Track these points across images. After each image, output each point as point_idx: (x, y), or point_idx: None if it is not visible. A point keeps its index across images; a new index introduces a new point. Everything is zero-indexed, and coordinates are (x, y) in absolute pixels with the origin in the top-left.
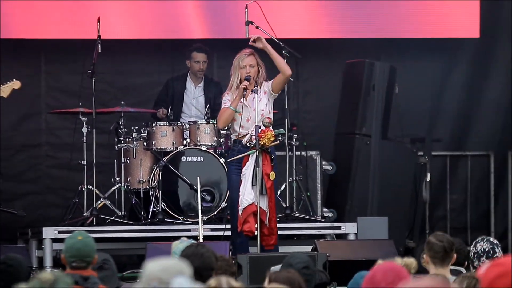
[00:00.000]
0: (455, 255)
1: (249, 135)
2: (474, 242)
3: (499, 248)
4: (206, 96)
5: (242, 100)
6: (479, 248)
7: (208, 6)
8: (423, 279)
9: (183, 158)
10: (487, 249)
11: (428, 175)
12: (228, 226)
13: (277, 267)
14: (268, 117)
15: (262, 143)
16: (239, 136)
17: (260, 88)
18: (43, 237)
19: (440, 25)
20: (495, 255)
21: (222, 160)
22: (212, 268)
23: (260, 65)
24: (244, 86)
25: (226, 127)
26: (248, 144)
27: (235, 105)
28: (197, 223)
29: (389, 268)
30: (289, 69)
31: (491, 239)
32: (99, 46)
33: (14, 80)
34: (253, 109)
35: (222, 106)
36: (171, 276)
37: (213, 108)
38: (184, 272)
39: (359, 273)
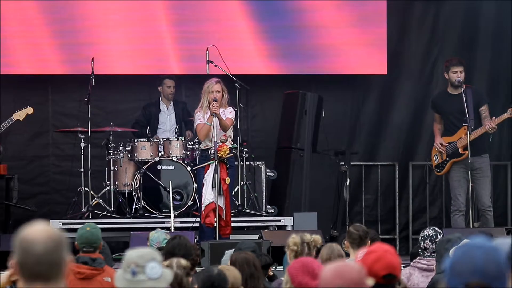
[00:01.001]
0: (369, 241)
1: (214, 148)
2: (424, 229)
3: (441, 236)
4: (176, 113)
5: (213, 120)
6: (425, 233)
7: (178, 48)
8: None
9: (159, 167)
10: (431, 234)
11: (348, 180)
12: (195, 219)
13: (231, 251)
14: (225, 135)
15: (219, 155)
16: (206, 147)
17: (225, 110)
18: None
19: (356, 64)
20: (437, 239)
21: (188, 168)
22: (191, 254)
23: (224, 91)
24: (215, 107)
25: (192, 142)
26: (212, 153)
27: (210, 121)
28: (169, 217)
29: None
30: (227, 129)
31: (436, 228)
32: (93, 80)
33: (28, 107)
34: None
35: (197, 122)
36: (146, 261)
37: (180, 122)
38: (156, 258)
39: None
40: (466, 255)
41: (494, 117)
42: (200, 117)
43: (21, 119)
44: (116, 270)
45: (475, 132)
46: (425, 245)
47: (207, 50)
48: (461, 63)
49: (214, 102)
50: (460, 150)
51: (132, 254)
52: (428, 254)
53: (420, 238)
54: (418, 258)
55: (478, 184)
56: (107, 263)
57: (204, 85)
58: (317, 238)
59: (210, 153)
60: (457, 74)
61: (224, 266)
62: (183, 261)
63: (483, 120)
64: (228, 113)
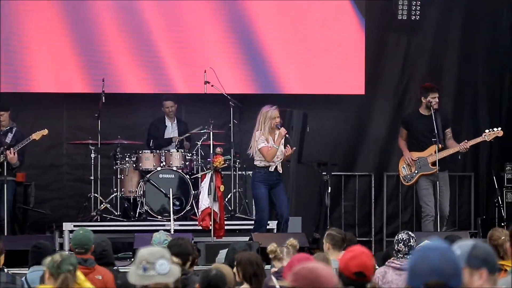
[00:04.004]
0: (345, 244)
1: (275, 165)
2: (398, 233)
3: (413, 240)
4: (179, 130)
5: (273, 142)
6: (399, 237)
7: (178, 69)
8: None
9: (160, 175)
10: (404, 238)
11: (329, 188)
12: (192, 222)
13: (225, 250)
14: (220, 147)
15: (215, 166)
16: (267, 165)
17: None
18: (63, 229)
19: (337, 85)
20: (409, 243)
21: (187, 177)
22: (188, 253)
23: (281, 116)
24: (285, 132)
25: (190, 154)
26: (272, 170)
27: (278, 144)
28: (169, 220)
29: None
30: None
31: (410, 232)
32: (103, 98)
33: (45, 129)
34: (279, 150)
35: (262, 145)
36: (156, 258)
37: (181, 139)
38: (165, 256)
39: None
40: (423, 257)
41: (466, 140)
42: (264, 141)
43: (37, 139)
44: (125, 267)
45: (447, 150)
46: (398, 247)
47: (205, 72)
48: (438, 90)
49: (283, 129)
50: (430, 165)
51: (143, 252)
52: (401, 255)
53: (394, 241)
54: (392, 258)
55: (441, 195)
56: (110, 261)
57: (263, 111)
58: (293, 240)
59: (272, 170)
60: (435, 99)
61: (217, 265)
62: (175, 259)
63: (448, 140)
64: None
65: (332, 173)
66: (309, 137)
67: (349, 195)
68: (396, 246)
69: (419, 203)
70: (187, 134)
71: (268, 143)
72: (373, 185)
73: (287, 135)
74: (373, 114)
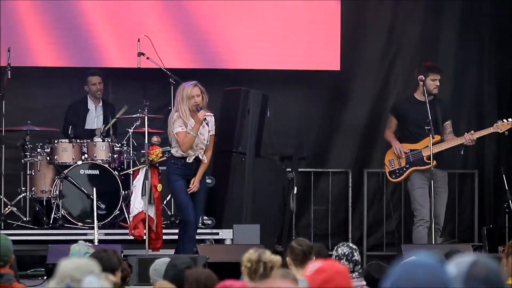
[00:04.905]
0: (314, 258)
1: (194, 155)
2: (336, 247)
3: (357, 252)
4: (104, 115)
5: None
6: (340, 252)
7: (105, 38)
8: (276, 281)
9: (81, 171)
10: (346, 253)
11: (295, 188)
12: (122, 230)
13: (162, 260)
14: (157, 136)
15: (151, 159)
16: (184, 155)
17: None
18: None
19: (305, 59)
20: (353, 258)
21: (115, 173)
22: (113, 268)
23: (203, 93)
24: (205, 117)
25: (119, 144)
26: (191, 161)
27: (196, 131)
28: (93, 228)
29: None
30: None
31: (350, 244)
32: (9, 73)
33: None
34: (202, 138)
35: (177, 130)
36: (83, 275)
37: (107, 128)
38: (94, 271)
39: None
40: (408, 274)
41: (472, 131)
42: (181, 125)
43: None
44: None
45: (448, 142)
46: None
47: (139, 41)
48: (440, 72)
49: (202, 112)
50: (425, 159)
51: (67, 266)
52: None
53: (334, 257)
54: None
55: (437, 199)
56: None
57: (179, 89)
58: (277, 259)
59: (190, 161)
60: (435, 82)
61: (162, 283)
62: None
63: (447, 135)
64: (212, 126)
65: (299, 170)
66: (270, 123)
67: (320, 197)
68: None
69: (412, 205)
70: (114, 120)
71: (186, 128)
72: (350, 184)
73: (206, 121)
74: (351, 96)
